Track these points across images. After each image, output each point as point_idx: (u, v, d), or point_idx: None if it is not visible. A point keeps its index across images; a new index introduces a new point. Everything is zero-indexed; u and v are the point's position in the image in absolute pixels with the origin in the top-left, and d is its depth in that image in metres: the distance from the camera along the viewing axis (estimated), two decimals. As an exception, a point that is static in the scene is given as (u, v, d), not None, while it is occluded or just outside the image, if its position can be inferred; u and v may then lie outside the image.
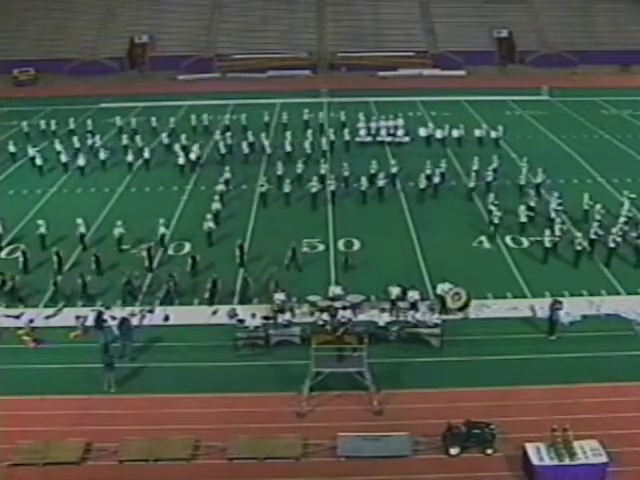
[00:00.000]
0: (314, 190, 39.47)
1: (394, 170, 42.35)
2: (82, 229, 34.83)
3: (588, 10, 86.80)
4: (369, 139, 50.77)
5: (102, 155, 46.79)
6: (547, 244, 32.93)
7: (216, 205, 37.33)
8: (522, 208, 36.16)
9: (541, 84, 68.01)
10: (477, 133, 50.74)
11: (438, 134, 50.62)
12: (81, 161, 45.85)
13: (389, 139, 51.00)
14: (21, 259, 32.45)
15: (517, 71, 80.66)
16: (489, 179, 41.04)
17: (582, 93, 67.83)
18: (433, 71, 79.45)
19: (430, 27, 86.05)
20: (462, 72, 78.87)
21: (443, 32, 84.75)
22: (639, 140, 51.95)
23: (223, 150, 47.42)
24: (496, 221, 35.40)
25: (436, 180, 40.88)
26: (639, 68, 79.76)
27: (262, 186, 40.12)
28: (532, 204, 37.19)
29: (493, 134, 50.40)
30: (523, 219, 35.84)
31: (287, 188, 39.93)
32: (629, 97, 65.82)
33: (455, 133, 50.62)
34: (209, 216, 35.75)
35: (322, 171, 42.12)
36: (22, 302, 29.56)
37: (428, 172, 41.25)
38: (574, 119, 58.75)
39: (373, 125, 52.17)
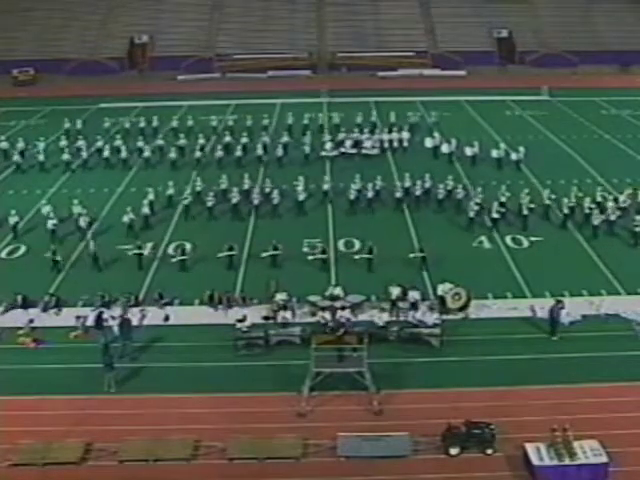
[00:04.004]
0: (234, 201, 38.28)
1: (326, 187, 40.18)
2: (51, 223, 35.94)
3: (588, 10, 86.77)
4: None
5: (106, 153, 46.99)
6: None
7: (145, 210, 37.51)
8: (495, 205, 36.53)
9: (541, 84, 67.98)
10: (494, 154, 45.55)
11: (445, 148, 46.65)
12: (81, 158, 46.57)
13: (353, 151, 47.40)
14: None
15: (517, 71, 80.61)
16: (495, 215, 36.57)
17: (582, 93, 67.79)
18: (433, 71, 79.33)
19: (430, 27, 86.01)
20: (462, 72, 78.80)
21: (443, 32, 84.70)
22: (639, 140, 51.97)
23: (220, 152, 46.71)
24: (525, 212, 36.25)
25: (369, 194, 38.89)
26: (639, 68, 79.77)
27: (185, 198, 38.66)
28: (503, 200, 37.62)
29: (514, 156, 45.29)
30: (495, 215, 36.19)
31: (256, 200, 38.72)
32: (629, 97, 65.78)
33: (468, 151, 45.77)
34: (129, 208, 36.77)
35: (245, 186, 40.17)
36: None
37: (357, 186, 39.36)
38: (574, 119, 58.72)
39: (376, 137, 49.06)
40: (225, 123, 54.37)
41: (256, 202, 38.69)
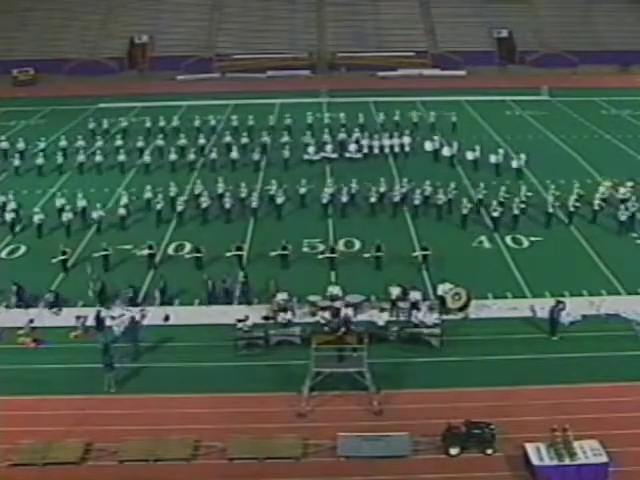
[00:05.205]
0: (228, 205, 37.89)
1: (303, 191, 39.42)
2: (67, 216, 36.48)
3: (588, 10, 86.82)
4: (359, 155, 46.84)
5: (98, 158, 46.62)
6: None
7: (122, 211, 37.50)
8: (494, 203, 36.70)
9: (541, 84, 68.03)
10: (493, 159, 44.37)
11: (446, 152, 45.99)
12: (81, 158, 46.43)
13: (334, 155, 46.67)
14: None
15: (517, 71, 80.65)
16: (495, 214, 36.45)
17: (582, 93, 67.85)
18: (433, 71, 79.40)
19: (430, 27, 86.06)
20: (462, 72, 78.87)
21: (443, 32, 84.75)
22: (639, 140, 51.98)
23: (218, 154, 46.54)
24: (515, 213, 36.45)
25: (343, 200, 38.33)
26: (639, 68, 79.79)
27: (158, 203, 38.09)
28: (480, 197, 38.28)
29: (514, 163, 43.99)
30: (495, 214, 36.33)
31: (228, 203, 38.08)
32: (629, 97, 65.84)
33: (470, 155, 44.85)
34: (99, 205, 37.42)
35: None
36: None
37: (331, 190, 38.97)
38: (574, 119, 58.75)
39: (376, 143, 48.17)
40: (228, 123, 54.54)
41: (227, 206, 38.00)
